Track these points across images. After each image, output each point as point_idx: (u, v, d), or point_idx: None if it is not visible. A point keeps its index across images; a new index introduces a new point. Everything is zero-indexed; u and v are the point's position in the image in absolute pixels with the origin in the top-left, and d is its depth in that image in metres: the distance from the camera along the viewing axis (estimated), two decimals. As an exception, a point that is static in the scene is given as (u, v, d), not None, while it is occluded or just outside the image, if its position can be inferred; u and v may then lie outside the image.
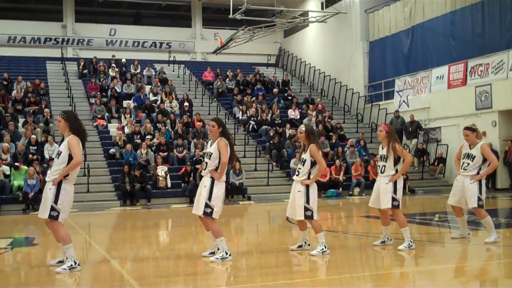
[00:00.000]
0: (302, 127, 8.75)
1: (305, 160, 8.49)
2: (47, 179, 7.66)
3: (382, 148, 8.97)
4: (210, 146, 8.27)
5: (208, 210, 7.93)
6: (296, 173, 8.66)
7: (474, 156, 9.07)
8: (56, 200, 7.45)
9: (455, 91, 23.43)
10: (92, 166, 20.59)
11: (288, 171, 22.21)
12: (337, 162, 21.98)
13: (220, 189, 8.02)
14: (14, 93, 25.27)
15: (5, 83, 25.74)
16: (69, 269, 7.44)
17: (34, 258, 9.33)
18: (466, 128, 9.28)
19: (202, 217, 8.06)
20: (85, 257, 9.49)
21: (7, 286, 7.17)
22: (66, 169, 7.54)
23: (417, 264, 8.17)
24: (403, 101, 26.42)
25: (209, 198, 7.92)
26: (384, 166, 8.86)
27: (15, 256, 9.70)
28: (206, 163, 8.15)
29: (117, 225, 15.97)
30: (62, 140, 7.91)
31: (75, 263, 7.50)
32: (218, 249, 8.12)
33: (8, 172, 19.16)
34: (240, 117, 26.58)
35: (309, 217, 8.41)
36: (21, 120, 23.29)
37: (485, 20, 23.24)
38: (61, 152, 7.63)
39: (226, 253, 7.99)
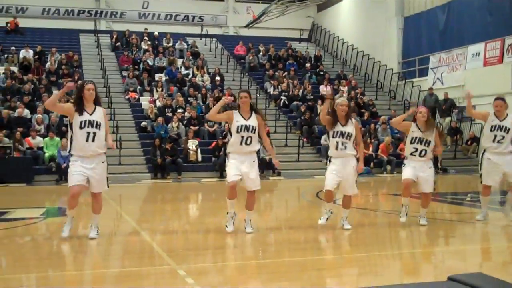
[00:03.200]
0: (345, 100, 8.58)
1: (351, 134, 8.35)
2: (100, 151, 7.83)
3: (422, 131, 8.72)
4: (248, 119, 8.18)
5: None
6: (343, 147, 8.38)
7: (509, 129, 8.90)
8: None
9: (491, 69, 22.94)
10: (123, 139, 20.76)
11: (318, 147, 22.10)
12: (367, 139, 21.83)
13: None
14: (48, 65, 25.54)
15: (36, 56, 26.05)
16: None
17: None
18: (499, 99, 9.07)
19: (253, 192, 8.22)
20: (116, 228, 9.62)
21: (40, 255, 7.29)
22: (108, 144, 7.90)
23: (447, 244, 8.09)
24: (437, 78, 26.01)
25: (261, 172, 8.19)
26: (425, 150, 8.70)
27: (48, 226, 9.86)
28: (251, 137, 8.14)
29: (148, 197, 16.14)
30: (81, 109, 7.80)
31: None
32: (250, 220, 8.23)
33: (41, 144, 19.44)
34: (272, 92, 26.47)
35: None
36: (55, 92, 23.52)
37: (524, -4, 22.65)
38: (100, 123, 7.76)
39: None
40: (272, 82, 26.91)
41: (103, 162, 7.88)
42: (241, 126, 8.07)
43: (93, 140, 7.68)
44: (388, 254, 7.30)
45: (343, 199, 8.59)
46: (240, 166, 8.08)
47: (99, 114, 7.77)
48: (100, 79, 25.26)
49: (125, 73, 26.21)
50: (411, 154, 8.79)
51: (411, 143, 8.79)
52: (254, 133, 8.11)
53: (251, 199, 8.23)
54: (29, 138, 19.51)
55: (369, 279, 6.01)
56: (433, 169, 8.75)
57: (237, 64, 29.71)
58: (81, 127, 7.61)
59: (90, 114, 7.70)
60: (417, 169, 8.74)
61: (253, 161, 8.18)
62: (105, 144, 7.83)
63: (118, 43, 29.70)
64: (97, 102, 7.85)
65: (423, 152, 8.70)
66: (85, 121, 7.64)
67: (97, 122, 7.71)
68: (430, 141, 8.65)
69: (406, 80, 27.81)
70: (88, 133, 7.65)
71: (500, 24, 23.25)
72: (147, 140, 21.30)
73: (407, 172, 8.75)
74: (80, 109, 7.67)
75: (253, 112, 8.20)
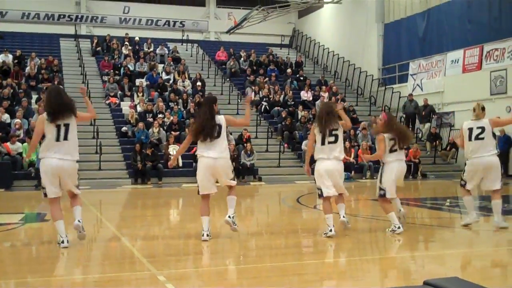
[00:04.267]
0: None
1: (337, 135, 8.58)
2: (71, 158, 7.68)
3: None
4: None
5: None
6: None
7: None
8: None
9: (470, 75, 23.21)
10: (104, 144, 20.66)
11: (299, 153, 22.17)
12: (347, 144, 21.86)
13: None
14: (27, 69, 25.33)
15: (15, 61, 25.86)
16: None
17: (45, 234, 9.38)
18: None
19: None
20: (96, 234, 9.57)
21: (19, 261, 7.23)
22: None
23: (427, 249, 8.16)
24: (417, 84, 26.24)
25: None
26: None
27: (27, 232, 9.78)
28: None
29: (128, 203, 16.06)
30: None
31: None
32: None
33: (20, 150, 19.25)
34: (253, 98, 26.52)
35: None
36: (35, 97, 23.35)
37: (502, 4, 22.93)
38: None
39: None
40: (253, 87, 26.97)
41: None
42: None
43: None
44: (368, 259, 7.35)
45: None
46: None
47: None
48: (80, 84, 25.10)
49: (105, 78, 26.11)
50: None
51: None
52: None
53: None
54: (8, 143, 19.31)
55: (349, 283, 6.04)
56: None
57: (218, 70, 29.73)
58: None
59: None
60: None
61: None
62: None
63: (99, 48, 29.57)
64: None
65: None
66: None
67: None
68: None
69: (386, 86, 28.01)
70: None
71: (479, 31, 23.56)
72: (127, 145, 21.21)
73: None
74: None
75: None
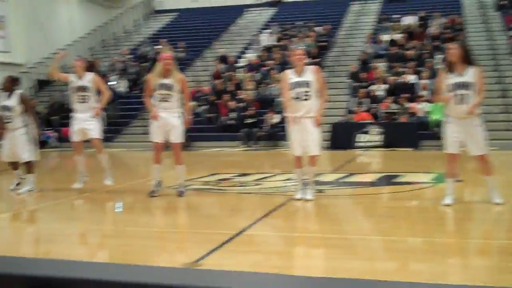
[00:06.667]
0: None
1: None
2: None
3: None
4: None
5: None
6: None
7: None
8: None
9: None
10: (510, 103, 19.86)
11: None
12: None
13: None
14: (431, 29, 25.78)
15: (420, 22, 26.50)
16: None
17: (455, 195, 9.37)
18: None
19: None
20: None
21: (426, 220, 7.48)
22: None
23: None
24: None
25: None
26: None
27: (436, 192, 9.87)
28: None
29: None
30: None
31: None
32: None
33: (426, 109, 19.80)
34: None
35: None
36: (439, 57, 23.59)
37: None
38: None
39: None
40: None
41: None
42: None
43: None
44: None
45: None
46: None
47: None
48: (484, 41, 24.55)
49: (511, 33, 24.91)
50: None
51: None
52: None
53: None
54: (414, 104, 20.09)
55: None
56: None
57: None
58: None
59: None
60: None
61: None
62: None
63: (504, 2, 28.25)
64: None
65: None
66: None
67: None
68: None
69: None
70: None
71: None
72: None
73: None
74: None
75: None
